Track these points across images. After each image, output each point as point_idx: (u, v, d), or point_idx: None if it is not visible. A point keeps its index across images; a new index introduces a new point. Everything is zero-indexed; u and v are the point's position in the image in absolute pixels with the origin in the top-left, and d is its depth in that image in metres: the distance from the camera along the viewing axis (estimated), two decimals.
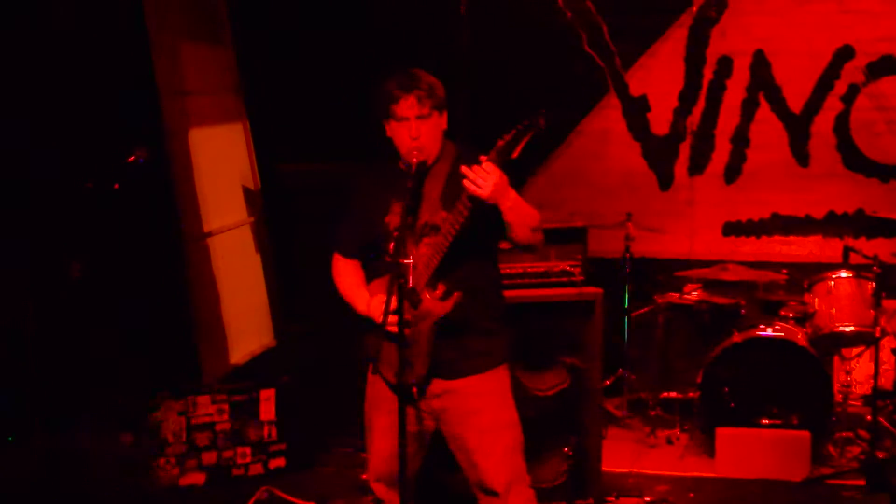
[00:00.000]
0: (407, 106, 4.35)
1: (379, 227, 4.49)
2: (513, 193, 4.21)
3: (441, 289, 4.35)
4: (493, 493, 4.51)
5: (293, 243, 7.63)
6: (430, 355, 4.41)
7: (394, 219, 4.43)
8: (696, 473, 6.73)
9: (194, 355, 7.05)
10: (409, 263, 4.27)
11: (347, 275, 4.72)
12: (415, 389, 4.41)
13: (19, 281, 5.85)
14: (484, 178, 4.07)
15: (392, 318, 4.18)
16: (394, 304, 4.17)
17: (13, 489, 5.85)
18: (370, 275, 4.68)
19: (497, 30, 8.18)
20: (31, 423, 5.86)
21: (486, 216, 4.21)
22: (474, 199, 4.13)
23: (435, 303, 4.36)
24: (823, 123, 8.04)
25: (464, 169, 4.10)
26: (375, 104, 4.46)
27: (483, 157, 4.08)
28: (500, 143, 4.07)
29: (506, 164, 4.11)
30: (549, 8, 8.17)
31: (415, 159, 4.34)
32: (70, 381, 6.24)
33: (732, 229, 8.24)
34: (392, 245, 4.33)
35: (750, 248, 8.20)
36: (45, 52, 6.31)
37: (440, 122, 4.44)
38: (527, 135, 4.06)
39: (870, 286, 6.87)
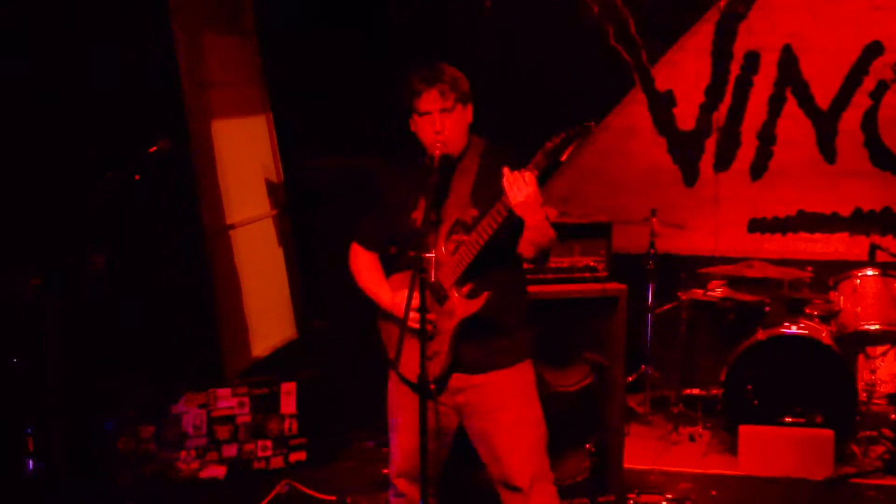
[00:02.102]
0: (430, 100, 4.31)
1: (405, 221, 4.45)
2: (541, 214, 4.18)
3: (468, 287, 4.32)
4: (516, 490, 4.49)
5: (316, 236, 7.61)
6: (452, 353, 4.38)
7: (420, 214, 4.38)
8: (718, 471, 6.71)
9: (216, 348, 7.04)
10: (432, 257, 4.23)
11: (368, 268, 4.67)
12: (432, 387, 4.37)
13: (42, 273, 5.85)
14: (519, 187, 4.03)
15: (414, 315, 4.15)
16: (416, 298, 4.15)
17: (34, 481, 5.85)
18: (390, 269, 4.65)
19: (522, 23, 8.17)
20: (53, 416, 5.86)
21: (513, 221, 4.18)
22: (507, 206, 4.09)
23: (462, 301, 4.33)
24: (851, 120, 7.97)
25: (505, 170, 4.06)
26: (399, 98, 4.42)
27: (520, 172, 4.04)
28: (549, 144, 4.04)
29: (546, 174, 4.06)
30: (575, 1, 8.13)
31: (438, 152, 4.30)
32: (91, 373, 6.23)
33: (758, 226, 8.19)
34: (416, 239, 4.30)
35: (775, 245, 8.14)
36: (67, 43, 6.30)
37: (464, 115, 4.39)
38: (576, 139, 4.03)
39: None
